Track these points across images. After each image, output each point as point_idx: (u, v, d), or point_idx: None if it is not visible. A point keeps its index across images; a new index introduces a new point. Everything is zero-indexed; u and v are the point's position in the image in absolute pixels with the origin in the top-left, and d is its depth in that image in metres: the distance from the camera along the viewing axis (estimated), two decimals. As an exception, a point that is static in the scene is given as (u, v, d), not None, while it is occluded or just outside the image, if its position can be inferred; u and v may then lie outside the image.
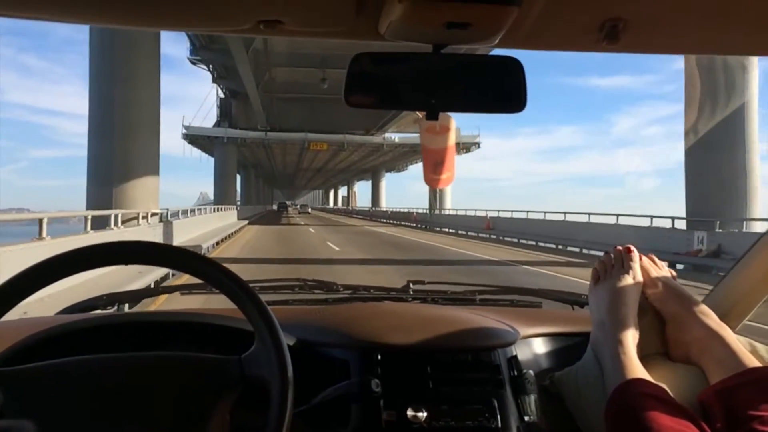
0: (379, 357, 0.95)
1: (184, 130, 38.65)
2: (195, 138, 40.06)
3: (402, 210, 46.45)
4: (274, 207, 77.02)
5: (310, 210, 73.01)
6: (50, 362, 0.76)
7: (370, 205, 69.12)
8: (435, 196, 39.11)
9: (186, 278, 0.91)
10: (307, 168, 68.69)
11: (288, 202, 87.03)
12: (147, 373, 0.77)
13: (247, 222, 31.09)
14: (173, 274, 8.17)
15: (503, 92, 0.78)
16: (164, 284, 3.94)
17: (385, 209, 55.34)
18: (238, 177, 64.56)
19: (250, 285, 0.79)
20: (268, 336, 0.77)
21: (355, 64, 0.75)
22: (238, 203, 57.88)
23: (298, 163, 60.16)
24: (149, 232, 11.12)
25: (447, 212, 37.46)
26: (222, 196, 38.05)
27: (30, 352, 0.84)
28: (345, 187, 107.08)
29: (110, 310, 1.38)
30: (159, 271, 7.71)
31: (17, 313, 0.83)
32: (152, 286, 4.97)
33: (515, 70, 0.76)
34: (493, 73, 0.77)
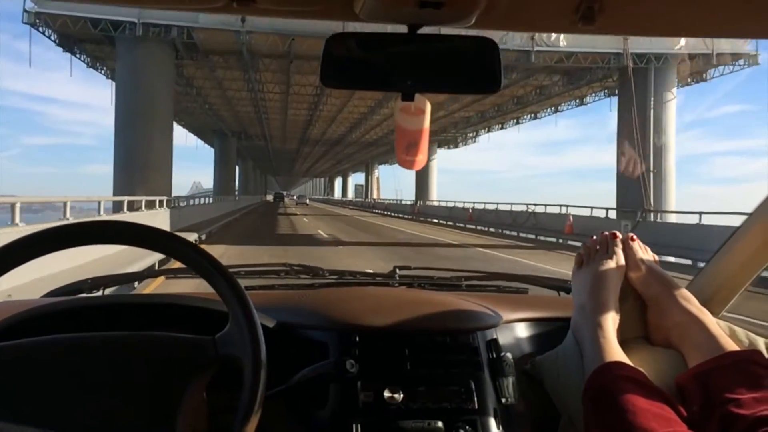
0: (357, 339, 0.96)
1: (32, 4, 15.14)
2: (62, 26, 15.78)
3: (497, 206, 24.29)
4: (269, 198, 74.29)
5: (307, 201, 69.22)
6: (24, 341, 0.76)
7: (405, 199, 46.58)
8: (648, 186, 17.11)
9: (171, 265, 0.87)
10: (318, 140, 46.29)
11: (284, 193, 79.92)
12: (121, 352, 0.77)
13: (195, 239, 10.67)
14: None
15: (479, 73, 0.78)
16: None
17: (449, 203, 32.66)
18: (211, 153, 41.82)
19: (236, 270, 0.78)
20: (242, 315, 0.78)
21: (331, 44, 0.75)
22: (210, 193, 35.48)
23: (308, 124, 36.93)
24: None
25: (689, 220, 15.35)
26: (134, 180, 15.10)
27: (10, 332, 0.83)
28: (361, 174, 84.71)
29: (95, 294, 1.37)
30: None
31: (2, 296, 0.87)
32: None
33: (490, 50, 0.77)
34: (468, 54, 0.78)
